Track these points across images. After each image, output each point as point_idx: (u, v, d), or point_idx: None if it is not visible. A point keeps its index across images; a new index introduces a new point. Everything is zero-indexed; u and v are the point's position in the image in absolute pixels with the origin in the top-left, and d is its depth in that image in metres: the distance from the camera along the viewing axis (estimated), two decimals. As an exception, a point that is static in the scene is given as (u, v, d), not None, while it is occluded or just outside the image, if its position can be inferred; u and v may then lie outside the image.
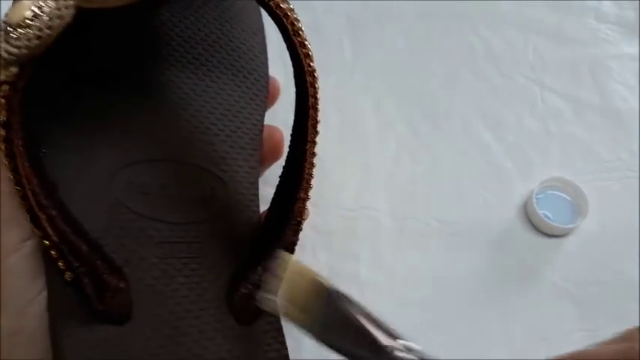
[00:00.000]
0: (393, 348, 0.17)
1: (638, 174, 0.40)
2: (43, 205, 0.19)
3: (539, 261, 0.37)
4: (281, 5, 0.21)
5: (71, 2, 0.18)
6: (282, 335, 0.26)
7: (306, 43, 0.23)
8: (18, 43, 0.17)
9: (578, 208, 0.38)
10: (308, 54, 0.23)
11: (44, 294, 0.20)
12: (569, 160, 0.41)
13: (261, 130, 0.28)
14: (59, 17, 0.17)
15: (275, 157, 0.30)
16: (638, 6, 0.48)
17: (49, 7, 0.17)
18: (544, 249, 0.37)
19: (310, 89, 0.24)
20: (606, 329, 0.35)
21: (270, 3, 0.21)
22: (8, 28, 0.18)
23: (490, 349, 0.33)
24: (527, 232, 0.38)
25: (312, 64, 0.23)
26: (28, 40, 0.17)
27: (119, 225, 0.22)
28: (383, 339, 0.17)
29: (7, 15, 0.18)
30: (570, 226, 0.37)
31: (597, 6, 0.48)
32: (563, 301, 0.35)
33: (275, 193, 0.27)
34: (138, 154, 0.23)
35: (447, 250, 0.37)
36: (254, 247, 0.26)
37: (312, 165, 0.25)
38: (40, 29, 0.17)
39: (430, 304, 0.35)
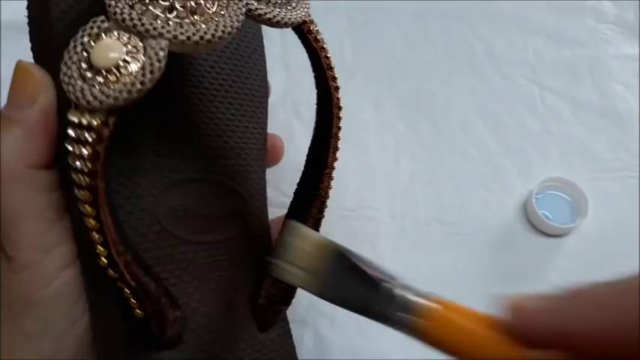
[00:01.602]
0: (392, 287, 0.18)
1: (637, 174, 0.40)
2: (120, 251, 0.19)
3: (538, 260, 0.37)
4: (318, 38, 0.23)
5: (164, 53, 0.17)
6: (292, 339, 0.27)
7: (337, 77, 0.24)
8: (109, 92, 0.16)
9: (577, 208, 0.38)
10: (337, 87, 0.24)
11: (85, 317, 0.20)
12: (568, 160, 0.41)
13: (266, 140, 0.28)
14: (152, 71, 0.16)
15: (275, 163, 0.31)
16: (637, 6, 0.48)
17: (141, 54, 0.17)
18: (543, 249, 0.38)
19: (335, 120, 0.25)
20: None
21: (309, 36, 0.23)
22: (95, 70, 0.17)
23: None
24: (526, 231, 0.38)
25: (339, 96, 0.25)
26: (120, 92, 0.16)
27: (166, 252, 0.22)
28: (379, 279, 0.19)
29: (89, 50, 0.17)
30: (570, 225, 0.37)
31: (597, 6, 0.48)
32: (563, 301, 0.35)
33: (289, 211, 0.27)
34: (172, 176, 0.23)
35: (447, 250, 0.37)
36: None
37: (330, 187, 0.26)
38: (133, 83, 0.16)
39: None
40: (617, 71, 0.45)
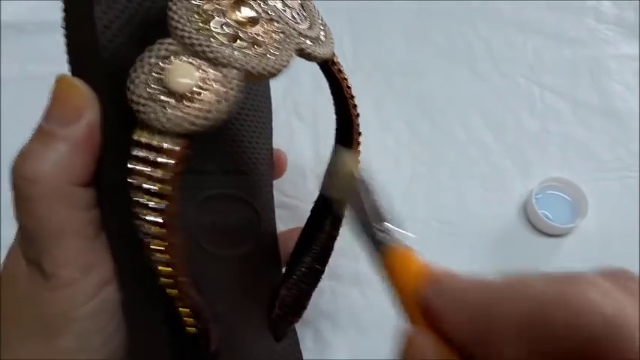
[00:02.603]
0: (377, 228, 0.21)
1: (637, 174, 0.40)
2: (182, 272, 0.19)
3: (538, 260, 0.37)
4: (341, 69, 0.24)
5: (237, 82, 0.17)
6: (299, 347, 0.28)
7: (357, 104, 0.25)
8: (185, 116, 0.16)
9: (577, 207, 0.38)
10: (357, 115, 0.26)
11: (119, 334, 0.20)
12: (568, 160, 0.41)
13: (272, 155, 0.28)
14: (228, 100, 0.17)
15: (279, 176, 0.31)
16: (637, 6, 0.48)
17: (214, 82, 0.17)
18: (543, 248, 0.38)
19: (355, 144, 0.26)
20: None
21: (333, 68, 0.24)
22: (168, 93, 0.17)
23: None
24: (526, 231, 0.38)
25: (359, 123, 0.26)
26: (197, 118, 0.17)
27: (202, 269, 0.22)
28: (374, 219, 0.21)
29: (162, 73, 0.17)
30: (570, 225, 0.37)
31: (597, 6, 0.48)
32: (563, 301, 0.35)
33: (306, 224, 0.28)
34: (201, 193, 0.23)
35: (447, 250, 0.37)
36: (286, 268, 0.27)
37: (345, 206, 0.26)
38: (209, 111, 0.17)
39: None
40: (616, 71, 0.45)
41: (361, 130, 0.41)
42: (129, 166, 0.17)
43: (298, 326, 0.34)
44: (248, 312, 0.25)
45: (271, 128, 0.28)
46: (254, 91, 0.27)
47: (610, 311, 0.13)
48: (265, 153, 0.27)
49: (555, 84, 0.44)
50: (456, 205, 0.39)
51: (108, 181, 0.19)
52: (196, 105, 0.17)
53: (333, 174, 0.23)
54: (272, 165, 0.28)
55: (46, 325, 0.19)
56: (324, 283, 0.37)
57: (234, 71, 0.17)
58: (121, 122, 0.18)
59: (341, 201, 0.22)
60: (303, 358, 0.32)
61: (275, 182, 0.34)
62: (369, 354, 0.34)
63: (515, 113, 0.43)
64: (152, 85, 0.17)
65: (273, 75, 0.18)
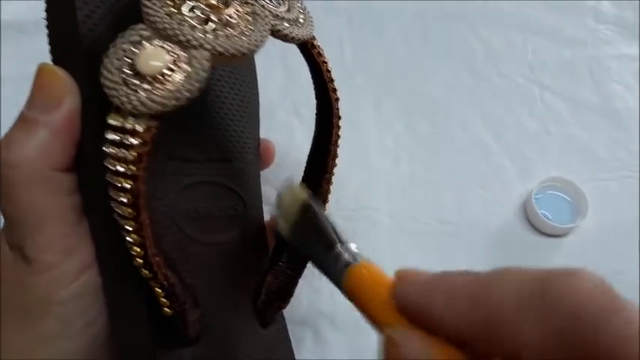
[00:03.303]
0: (340, 250, 0.20)
1: (637, 174, 0.40)
2: (155, 252, 0.19)
3: (538, 261, 0.37)
4: (320, 52, 0.24)
5: (207, 64, 0.17)
6: (289, 335, 0.28)
7: (337, 89, 0.26)
8: (155, 98, 0.17)
9: (577, 207, 0.38)
10: (337, 99, 0.26)
11: (101, 318, 0.21)
12: (568, 160, 0.41)
13: (259, 144, 0.29)
14: (199, 80, 0.17)
15: (267, 166, 0.32)
16: (637, 6, 0.48)
17: (184, 64, 0.17)
18: (543, 249, 0.38)
19: (335, 129, 0.26)
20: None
21: (313, 51, 0.24)
22: (140, 76, 0.17)
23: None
24: (526, 231, 0.38)
25: (338, 107, 0.26)
26: (167, 99, 0.17)
27: (183, 253, 0.23)
28: (335, 241, 0.20)
29: (133, 57, 0.17)
30: (569, 225, 0.37)
31: (596, 6, 0.48)
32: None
33: None
34: (184, 179, 0.23)
35: (446, 250, 0.37)
36: (271, 255, 0.27)
37: (329, 192, 0.27)
38: (179, 91, 0.17)
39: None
40: (616, 71, 0.45)
41: (361, 130, 0.42)
42: (104, 149, 0.17)
43: (298, 326, 0.34)
44: (234, 298, 0.25)
45: (258, 118, 0.29)
46: (240, 81, 0.27)
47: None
48: (252, 142, 0.27)
49: (555, 84, 0.44)
50: (455, 205, 0.39)
51: (87, 166, 0.20)
52: (166, 86, 0.17)
53: (281, 204, 0.23)
54: (259, 154, 0.28)
55: (29, 310, 0.19)
56: (324, 283, 0.37)
57: (204, 52, 0.18)
58: (100, 109, 0.18)
59: (291, 231, 0.22)
60: (303, 358, 0.32)
61: (274, 181, 0.34)
62: (369, 354, 0.34)
63: (515, 113, 0.43)
64: (124, 70, 0.17)
65: (244, 55, 0.19)
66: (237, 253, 0.25)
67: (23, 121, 0.19)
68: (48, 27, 0.20)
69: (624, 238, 0.38)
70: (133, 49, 0.17)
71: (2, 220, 0.20)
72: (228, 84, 0.27)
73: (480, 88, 0.44)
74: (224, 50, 0.18)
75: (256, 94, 0.29)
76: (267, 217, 0.28)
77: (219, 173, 0.25)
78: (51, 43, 0.20)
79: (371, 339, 0.36)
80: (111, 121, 0.17)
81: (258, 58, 0.31)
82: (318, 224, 0.21)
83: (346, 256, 0.20)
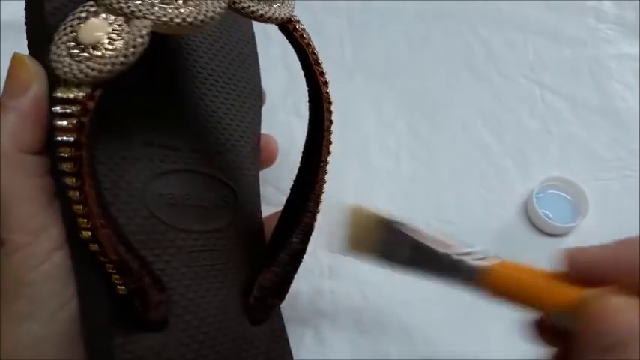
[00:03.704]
0: (449, 254, 0.20)
1: (637, 173, 0.40)
2: (102, 224, 0.19)
3: (539, 260, 0.37)
4: (304, 35, 0.24)
5: (146, 31, 0.18)
6: (286, 334, 0.28)
7: (325, 72, 0.25)
8: (93, 65, 0.17)
9: (578, 207, 0.38)
10: (326, 82, 0.25)
11: (74, 301, 0.21)
12: (568, 160, 0.41)
13: (259, 139, 0.29)
14: (135, 46, 0.18)
15: (269, 164, 0.32)
16: (637, 6, 0.48)
17: (125, 33, 0.18)
18: (544, 248, 0.37)
19: (326, 114, 0.25)
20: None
21: (295, 34, 0.24)
22: (82, 47, 0.18)
23: (490, 348, 0.33)
24: (527, 231, 0.38)
25: (328, 90, 0.25)
26: (104, 64, 0.17)
27: (154, 237, 0.22)
28: (440, 248, 0.21)
29: (77, 30, 0.18)
30: (570, 225, 0.37)
31: (597, 6, 0.48)
32: (563, 301, 0.35)
33: (286, 205, 0.28)
34: (162, 166, 0.23)
35: (447, 250, 0.37)
36: (265, 251, 0.27)
37: (324, 181, 0.26)
38: (116, 57, 0.17)
39: (430, 303, 0.35)
40: (617, 71, 0.45)
41: (361, 129, 0.42)
42: (52, 123, 0.18)
43: (298, 326, 0.34)
44: (216, 290, 0.24)
45: (259, 113, 0.28)
46: (237, 76, 0.27)
47: None
48: (249, 136, 0.27)
49: (555, 84, 0.44)
50: (456, 205, 0.39)
51: (55, 149, 0.20)
52: (106, 53, 0.18)
53: (351, 232, 0.23)
54: (258, 150, 0.28)
55: (5, 290, 0.20)
56: (325, 283, 0.37)
57: (146, 21, 0.18)
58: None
59: (376, 249, 0.22)
60: (303, 358, 0.32)
61: (274, 181, 0.34)
62: (369, 354, 0.34)
63: (515, 113, 0.43)
64: (69, 44, 0.18)
65: (192, 24, 0.19)
66: (224, 245, 0.25)
67: None
68: (25, 23, 0.22)
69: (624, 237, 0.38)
70: (79, 24, 0.18)
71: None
72: (222, 78, 0.27)
73: (481, 88, 0.44)
74: (167, 19, 0.18)
75: (258, 89, 0.29)
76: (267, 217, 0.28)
77: (205, 163, 0.25)
78: (27, 37, 0.22)
79: (371, 339, 0.36)
80: (57, 94, 0.18)
81: (259, 58, 0.31)
82: (415, 238, 0.21)
83: (467, 258, 0.20)
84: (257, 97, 0.29)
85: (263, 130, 0.30)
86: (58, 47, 0.18)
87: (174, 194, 0.24)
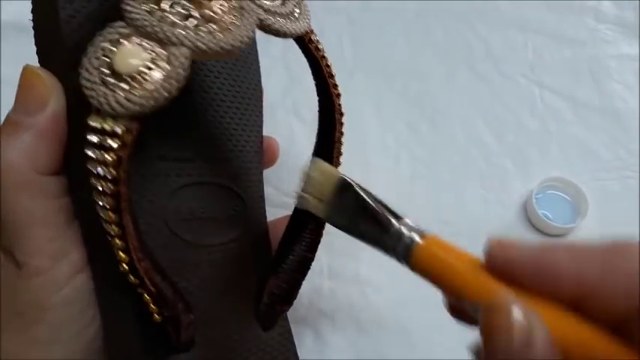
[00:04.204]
0: (397, 227, 0.20)
1: (637, 174, 0.40)
2: (141, 257, 0.19)
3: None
4: (318, 47, 0.24)
5: (187, 62, 0.17)
6: (292, 337, 0.28)
7: (337, 84, 0.25)
8: (134, 98, 0.16)
9: (577, 207, 0.38)
10: (339, 94, 0.25)
11: (95, 323, 0.21)
12: (568, 160, 0.41)
13: (262, 142, 0.28)
14: (178, 80, 0.17)
15: (271, 165, 0.31)
16: (637, 6, 0.48)
17: (164, 62, 0.17)
18: (544, 249, 0.37)
19: (338, 125, 0.26)
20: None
21: (310, 45, 0.23)
22: (118, 75, 0.16)
23: (490, 348, 0.33)
24: (526, 231, 0.38)
25: (340, 102, 0.25)
26: (146, 99, 0.16)
27: (176, 257, 0.22)
28: (389, 220, 0.20)
29: (110, 56, 0.17)
30: (570, 225, 0.37)
31: (597, 6, 0.48)
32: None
33: (293, 213, 0.27)
34: (178, 180, 0.23)
35: (447, 250, 0.37)
36: (274, 257, 0.27)
37: None
38: (158, 91, 0.16)
39: (430, 304, 0.35)
40: (616, 71, 0.45)
41: (361, 129, 0.42)
42: (86, 152, 0.17)
43: (298, 326, 0.34)
44: (232, 301, 0.24)
45: (261, 115, 0.28)
46: (240, 78, 0.27)
47: None
48: (253, 140, 0.27)
49: (555, 84, 0.44)
50: (456, 205, 0.39)
51: (76, 169, 0.19)
52: (145, 86, 0.16)
53: (310, 182, 0.22)
54: (261, 153, 0.28)
55: (21, 314, 0.19)
56: (324, 283, 0.37)
57: (184, 49, 0.17)
58: (84, 110, 0.18)
59: (328, 211, 0.22)
60: (303, 358, 0.32)
61: (274, 182, 0.34)
62: (369, 354, 0.34)
63: (515, 113, 0.43)
64: (102, 69, 0.17)
65: (229, 51, 0.18)
66: (237, 255, 0.25)
67: (7, 124, 0.19)
68: (34, 28, 0.20)
69: (625, 237, 0.38)
70: (112, 48, 0.17)
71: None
72: (228, 81, 0.26)
73: (481, 88, 0.44)
74: (206, 47, 0.17)
75: (259, 91, 0.28)
76: (268, 217, 0.28)
77: (216, 173, 0.25)
78: (37, 43, 0.20)
79: (371, 339, 0.36)
80: (91, 123, 0.17)
81: (259, 58, 0.31)
82: (364, 203, 0.20)
83: (406, 232, 0.19)
84: (259, 97, 0.28)
85: (263, 130, 0.30)
86: (89, 72, 0.17)
87: (191, 208, 0.23)
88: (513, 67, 0.45)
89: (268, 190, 0.28)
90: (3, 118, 0.19)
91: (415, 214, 0.38)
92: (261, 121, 0.28)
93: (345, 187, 0.21)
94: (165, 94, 0.17)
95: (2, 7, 0.43)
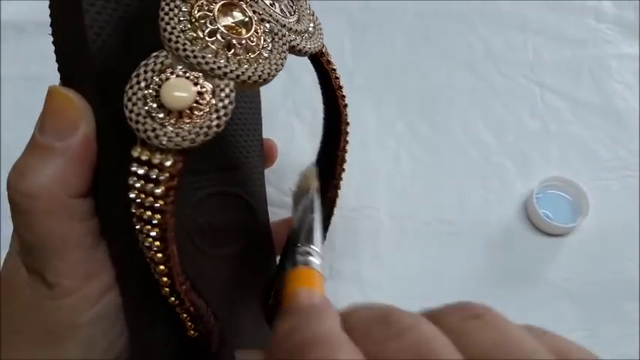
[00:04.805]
0: (296, 249, 0.20)
1: (637, 173, 0.40)
2: (182, 281, 0.19)
3: (539, 260, 0.37)
4: (330, 60, 0.24)
5: (233, 95, 0.17)
6: None
7: (345, 96, 0.25)
8: (183, 134, 0.16)
9: (578, 207, 0.38)
10: (346, 105, 0.25)
11: (123, 337, 0.21)
12: (569, 160, 0.41)
13: (262, 145, 0.29)
14: (226, 114, 0.16)
15: (269, 165, 0.32)
16: (637, 6, 0.48)
17: (210, 95, 0.16)
18: (544, 248, 0.37)
19: (343, 135, 0.26)
20: (606, 328, 0.35)
21: (322, 59, 0.23)
22: (165, 110, 0.16)
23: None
24: (527, 231, 0.38)
25: (347, 113, 0.26)
26: (196, 134, 0.16)
27: (199, 270, 0.22)
28: (298, 239, 0.21)
29: (156, 88, 0.16)
30: (570, 225, 0.37)
31: (597, 6, 0.48)
32: (563, 300, 0.35)
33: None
34: (196, 193, 0.23)
35: (447, 250, 0.37)
36: (280, 258, 0.27)
37: (337, 196, 0.27)
38: (208, 125, 0.16)
39: (431, 303, 0.35)
40: (617, 71, 0.45)
41: (362, 129, 0.42)
42: (129, 182, 0.17)
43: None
44: (246, 305, 0.25)
45: (260, 118, 0.28)
46: None
47: None
48: (256, 144, 0.27)
49: (555, 84, 0.44)
50: (456, 205, 0.39)
51: (105, 191, 0.19)
52: (195, 121, 0.16)
53: (297, 186, 0.24)
54: (263, 156, 0.28)
55: (51, 333, 0.19)
56: (326, 283, 0.37)
57: (230, 82, 0.17)
58: (115, 131, 0.17)
59: (294, 214, 0.23)
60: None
61: (275, 181, 0.34)
62: (370, 354, 0.34)
63: (515, 113, 0.43)
64: (149, 102, 0.16)
65: (268, 81, 0.18)
66: (248, 261, 0.25)
67: (37, 147, 0.19)
68: (54, 43, 0.19)
69: (625, 237, 0.38)
70: (157, 79, 0.16)
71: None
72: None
73: (481, 88, 0.44)
74: (247, 78, 0.17)
75: (258, 94, 0.29)
76: (271, 217, 0.28)
77: (227, 182, 0.25)
78: (59, 61, 0.19)
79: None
80: (136, 154, 0.16)
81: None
82: (306, 215, 0.22)
83: (298, 257, 0.20)
84: (258, 102, 0.28)
85: (263, 131, 0.30)
86: (133, 103, 0.16)
87: (210, 220, 0.23)
88: (513, 67, 0.45)
89: (268, 190, 0.28)
90: (3, 117, 0.19)
91: (415, 214, 0.38)
92: (261, 125, 0.29)
93: (309, 198, 0.23)
94: (215, 129, 0.16)
95: (2, 7, 0.43)
